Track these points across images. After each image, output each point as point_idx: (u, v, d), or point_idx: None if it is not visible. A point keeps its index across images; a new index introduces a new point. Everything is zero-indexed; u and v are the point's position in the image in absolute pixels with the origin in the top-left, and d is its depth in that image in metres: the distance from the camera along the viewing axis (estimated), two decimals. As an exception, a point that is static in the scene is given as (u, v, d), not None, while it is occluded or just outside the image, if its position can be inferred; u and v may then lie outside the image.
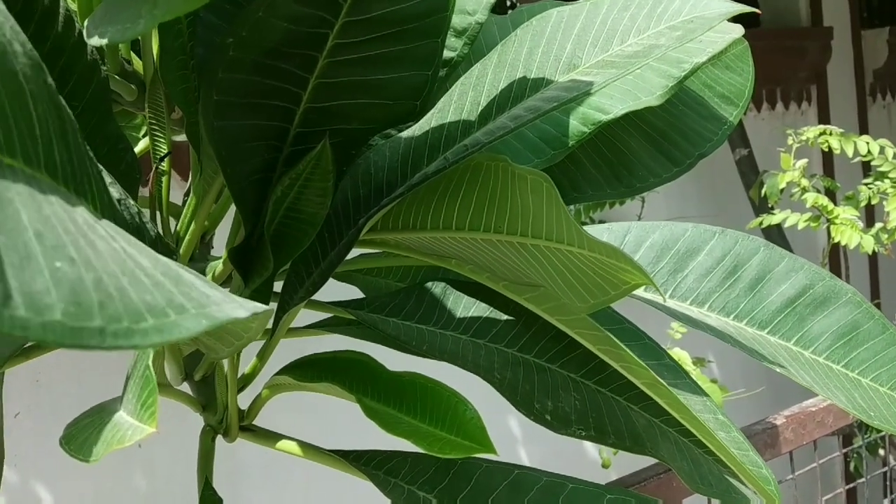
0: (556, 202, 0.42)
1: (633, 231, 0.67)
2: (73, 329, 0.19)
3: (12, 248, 0.20)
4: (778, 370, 0.59)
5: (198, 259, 0.67)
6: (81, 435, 0.38)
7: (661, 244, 0.66)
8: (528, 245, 0.47)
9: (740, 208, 2.34)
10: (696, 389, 0.55)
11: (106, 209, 0.33)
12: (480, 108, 0.52)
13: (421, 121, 0.55)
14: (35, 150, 0.26)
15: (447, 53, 0.57)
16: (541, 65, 0.50)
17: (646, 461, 1.12)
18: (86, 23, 0.44)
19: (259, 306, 0.32)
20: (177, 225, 0.64)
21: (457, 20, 0.57)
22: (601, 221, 2.22)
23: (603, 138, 0.76)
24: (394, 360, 0.61)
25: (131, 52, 0.65)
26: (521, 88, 0.50)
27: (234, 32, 0.42)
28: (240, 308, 0.27)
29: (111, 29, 0.38)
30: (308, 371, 0.52)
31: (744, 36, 0.69)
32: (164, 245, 0.42)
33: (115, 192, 0.37)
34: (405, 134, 0.55)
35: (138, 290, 0.23)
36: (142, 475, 1.55)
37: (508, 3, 2.36)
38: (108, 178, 0.37)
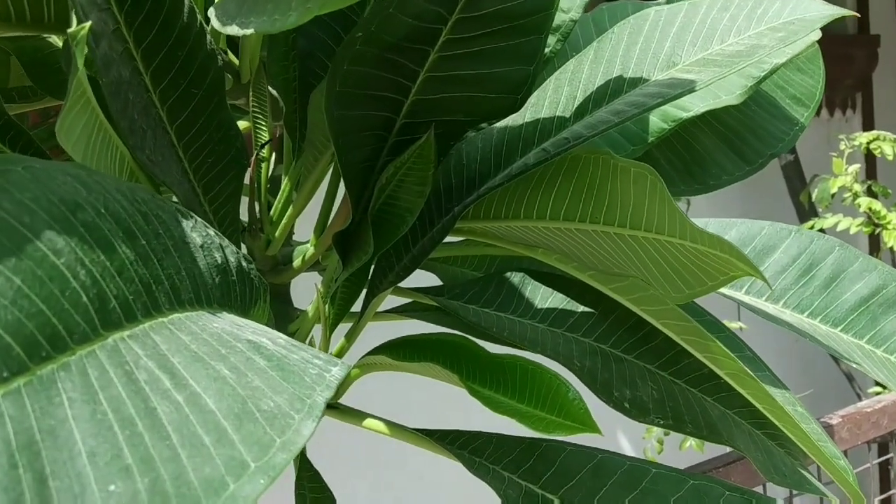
0: (660, 193, 0.44)
1: (710, 227, 0.68)
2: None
3: (66, 491, 0.21)
4: (854, 366, 0.60)
5: (285, 244, 0.70)
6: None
7: (738, 241, 0.67)
8: (625, 235, 0.49)
9: (784, 213, 2.33)
10: (776, 382, 0.57)
11: (182, 292, 0.34)
12: (576, 103, 0.54)
13: (514, 114, 0.57)
14: (86, 316, 0.27)
15: (541, 50, 0.59)
16: (639, 62, 0.52)
17: (690, 461, 1.13)
18: (212, 12, 0.47)
19: (333, 378, 0.34)
20: (269, 210, 0.67)
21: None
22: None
23: (676, 135, 0.77)
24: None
25: (227, 45, 0.68)
26: (619, 85, 0.52)
27: (363, 27, 0.44)
28: (306, 420, 0.29)
29: (256, 20, 0.40)
30: (407, 350, 0.54)
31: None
32: (248, 268, 0.44)
33: (198, 236, 0.38)
34: (498, 126, 0.57)
35: (198, 463, 0.24)
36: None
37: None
38: (189, 224, 0.38)
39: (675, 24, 0.52)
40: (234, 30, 0.42)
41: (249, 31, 0.39)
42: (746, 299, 0.65)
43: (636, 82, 0.52)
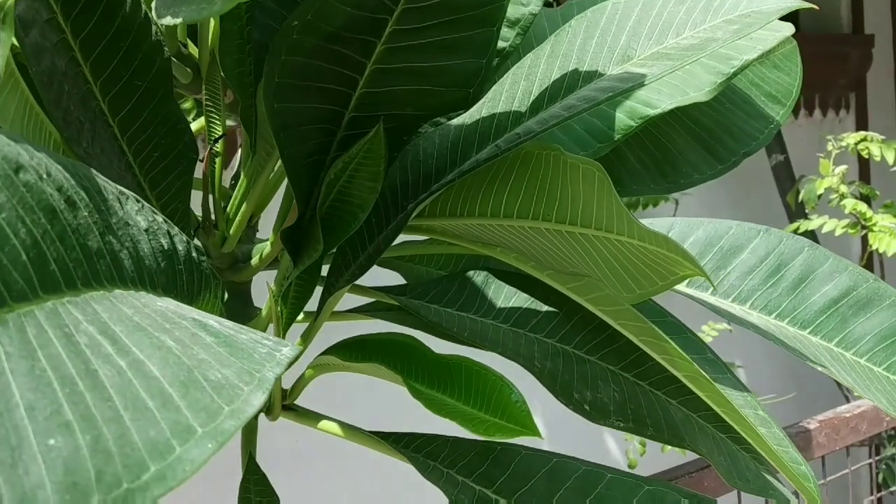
0: (607, 191, 0.43)
1: (676, 226, 0.67)
2: (70, 515, 0.20)
3: (4, 441, 0.21)
4: (820, 369, 0.59)
5: (244, 241, 0.69)
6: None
7: (704, 241, 0.66)
8: (576, 234, 0.47)
9: (774, 213, 2.32)
10: (737, 385, 0.55)
11: (125, 271, 0.33)
12: (532, 98, 0.52)
13: (471, 109, 0.56)
14: (27, 279, 0.27)
15: (500, 44, 0.58)
16: (594, 56, 0.51)
17: (672, 462, 1.12)
18: (154, 3, 0.45)
19: (283, 357, 0.33)
20: (226, 207, 0.66)
21: (511, 10, 0.58)
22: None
23: (648, 133, 0.76)
24: (433, 346, 0.62)
25: (187, 37, 0.66)
26: (574, 79, 0.51)
27: (299, 16, 0.43)
28: (255, 391, 0.28)
29: (186, 9, 0.39)
30: (354, 351, 0.53)
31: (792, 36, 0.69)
32: (199, 259, 0.43)
33: (143, 220, 0.37)
34: (455, 122, 0.56)
35: (142, 425, 0.24)
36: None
37: None
38: (134, 207, 0.37)
39: (631, 18, 0.50)
40: (167, 20, 0.40)
41: (179, 21, 0.38)
42: (712, 300, 0.64)
43: (591, 76, 0.50)
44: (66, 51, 0.46)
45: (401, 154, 0.57)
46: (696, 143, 0.77)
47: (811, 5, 0.48)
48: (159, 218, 0.40)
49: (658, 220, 0.70)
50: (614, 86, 0.46)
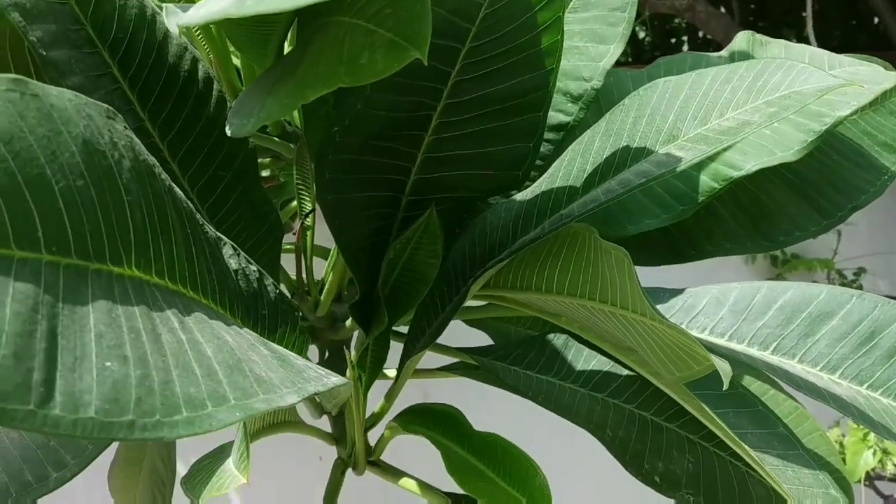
0: (629, 275, 0.43)
1: (763, 291, 0.65)
2: (103, 424, 0.24)
3: (70, 350, 0.25)
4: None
5: (345, 300, 0.73)
6: (198, 476, 0.44)
7: (792, 306, 0.63)
8: (617, 314, 0.48)
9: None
10: (808, 463, 0.53)
11: (209, 288, 0.38)
12: (585, 175, 0.54)
13: (535, 184, 0.58)
14: (128, 251, 0.32)
15: (562, 118, 0.59)
16: (644, 135, 0.51)
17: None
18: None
19: (330, 382, 0.36)
20: (323, 273, 0.71)
21: (573, 86, 0.59)
22: (794, 255, 2.10)
23: (743, 188, 0.74)
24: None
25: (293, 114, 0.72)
26: (623, 158, 0.52)
27: (337, 121, 0.47)
28: (291, 393, 0.31)
29: (235, 122, 0.44)
30: (409, 419, 0.56)
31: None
32: (284, 303, 0.47)
33: (235, 263, 0.42)
34: (518, 197, 0.58)
35: (185, 382, 0.28)
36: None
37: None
38: (228, 252, 0.42)
39: (679, 97, 0.50)
40: (227, 129, 0.46)
41: (229, 132, 0.42)
42: (798, 370, 0.61)
43: (639, 155, 0.51)
44: (155, 153, 0.53)
45: (471, 226, 0.59)
46: (799, 198, 0.74)
47: (852, 83, 0.46)
48: (253, 266, 0.44)
49: (747, 285, 0.68)
50: (650, 170, 0.47)
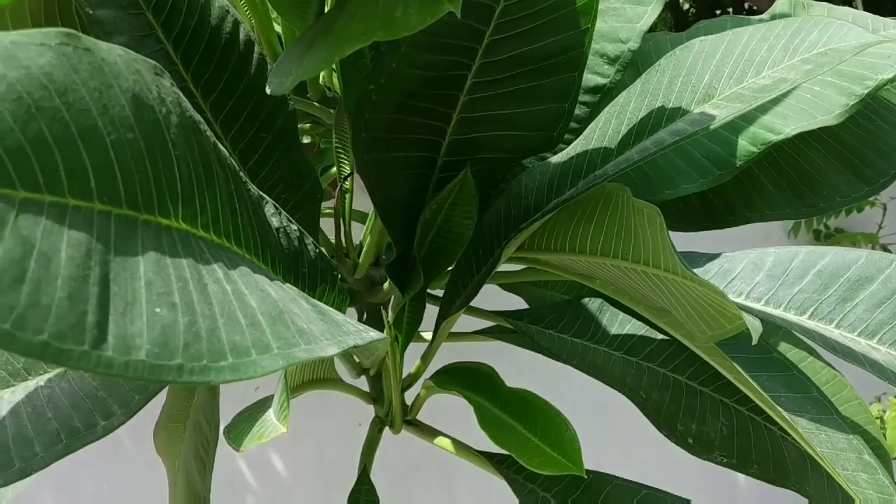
0: (660, 233, 0.43)
1: (801, 255, 0.65)
2: (153, 366, 0.25)
3: (121, 296, 0.26)
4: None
5: (382, 264, 0.75)
6: (240, 426, 0.46)
7: (830, 271, 0.63)
8: (650, 273, 0.48)
9: None
10: (842, 427, 0.53)
11: (252, 244, 0.39)
12: (620, 136, 0.54)
13: (570, 146, 0.58)
14: (175, 203, 0.33)
15: (599, 80, 0.60)
16: (679, 95, 0.51)
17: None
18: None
19: (368, 336, 0.37)
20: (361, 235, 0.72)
21: (609, 48, 0.59)
22: (838, 229, 2.07)
23: (783, 154, 0.73)
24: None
25: (332, 79, 0.73)
26: (659, 118, 0.52)
27: (373, 79, 0.47)
28: (331, 345, 0.32)
29: (275, 80, 0.45)
30: (444, 378, 0.57)
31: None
32: (324, 262, 0.49)
33: (276, 221, 0.43)
34: (554, 159, 0.58)
35: (231, 330, 0.29)
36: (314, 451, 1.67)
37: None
38: (270, 210, 0.44)
39: (715, 56, 0.50)
40: (267, 88, 0.47)
41: (268, 91, 0.43)
42: (835, 334, 0.61)
43: (674, 116, 0.51)
44: (199, 113, 0.54)
45: (507, 188, 0.60)
46: (840, 164, 0.73)
47: (891, 39, 0.46)
48: (293, 226, 0.46)
49: (784, 249, 0.67)
50: (684, 129, 0.47)
